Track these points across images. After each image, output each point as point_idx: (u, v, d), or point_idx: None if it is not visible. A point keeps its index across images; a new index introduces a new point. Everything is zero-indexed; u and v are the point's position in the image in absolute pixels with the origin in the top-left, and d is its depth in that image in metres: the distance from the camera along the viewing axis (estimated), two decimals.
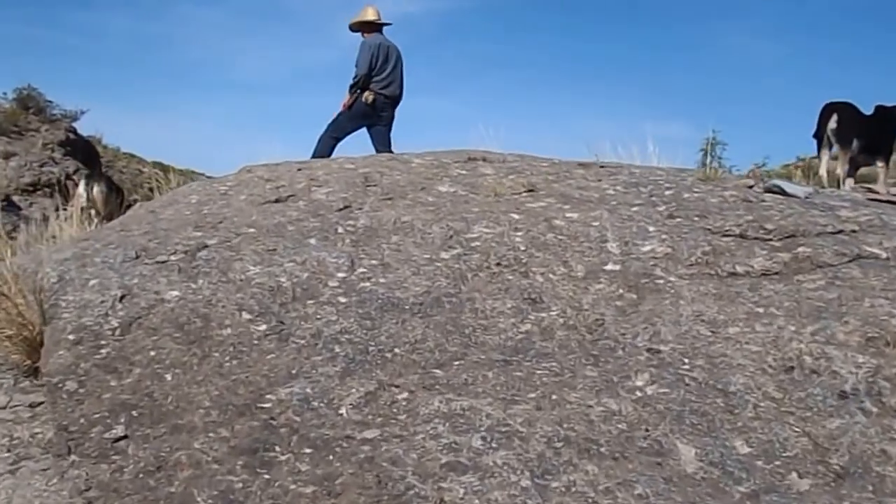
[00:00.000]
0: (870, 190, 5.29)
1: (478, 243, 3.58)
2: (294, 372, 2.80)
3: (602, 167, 5.15)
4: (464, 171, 4.87)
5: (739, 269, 3.16)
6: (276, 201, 4.48)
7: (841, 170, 6.22)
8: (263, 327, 3.08)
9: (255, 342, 3.00)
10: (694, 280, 3.15)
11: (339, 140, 7.65)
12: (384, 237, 3.72)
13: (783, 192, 4.17)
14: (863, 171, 6.65)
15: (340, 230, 3.85)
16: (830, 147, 6.24)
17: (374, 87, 7.49)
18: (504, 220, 3.74)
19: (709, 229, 3.49)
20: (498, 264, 3.42)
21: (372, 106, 7.52)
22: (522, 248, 3.49)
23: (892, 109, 6.72)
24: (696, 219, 3.62)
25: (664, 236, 3.42)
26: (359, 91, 7.51)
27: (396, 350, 2.94)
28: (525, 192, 4.26)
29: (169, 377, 2.84)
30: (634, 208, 3.75)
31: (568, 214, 3.71)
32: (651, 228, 3.50)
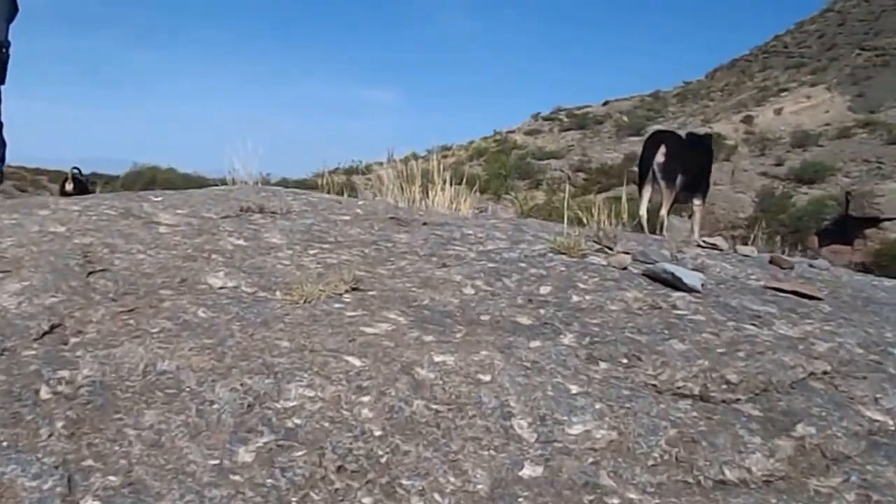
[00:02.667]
0: (714, 246, 4.53)
1: (298, 422, 2.11)
2: None
3: (425, 224, 3.87)
4: (241, 241, 3.31)
5: (730, 473, 2.03)
6: None
7: (664, 209, 5.48)
8: None
9: None
10: (665, 498, 1.97)
11: None
12: (128, 413, 2.12)
13: (679, 283, 3.19)
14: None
15: (45, 393, 2.16)
16: (654, 182, 5.45)
17: None
18: (336, 369, 2.29)
19: (653, 385, 2.34)
20: (340, 469, 1.99)
21: None
22: (378, 434, 2.09)
23: (705, 138, 6.17)
24: (624, 360, 2.46)
25: (598, 405, 2.20)
26: None
27: None
28: (347, 292, 2.84)
29: None
30: (534, 343, 2.49)
31: (437, 358, 2.36)
32: (573, 388, 2.27)
